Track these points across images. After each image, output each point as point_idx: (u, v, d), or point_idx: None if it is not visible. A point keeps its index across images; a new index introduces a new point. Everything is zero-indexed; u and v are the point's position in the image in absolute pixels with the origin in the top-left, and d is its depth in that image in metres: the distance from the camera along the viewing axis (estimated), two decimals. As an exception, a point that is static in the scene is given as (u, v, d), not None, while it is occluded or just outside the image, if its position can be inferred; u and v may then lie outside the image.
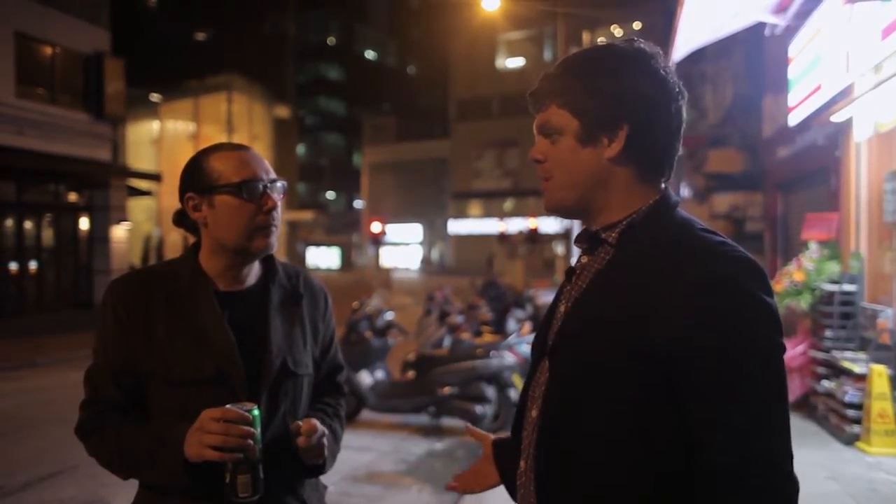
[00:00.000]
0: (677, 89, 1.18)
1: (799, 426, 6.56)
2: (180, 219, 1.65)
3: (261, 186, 1.56)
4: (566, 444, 1.15)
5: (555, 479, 1.18)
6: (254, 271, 1.67)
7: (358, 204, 55.84)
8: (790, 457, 1.06)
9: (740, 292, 1.05)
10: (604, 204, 1.21)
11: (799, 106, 8.48)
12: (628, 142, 1.16)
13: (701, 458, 1.06)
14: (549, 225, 28.80)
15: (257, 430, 1.40)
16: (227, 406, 1.40)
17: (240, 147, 1.62)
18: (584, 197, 1.21)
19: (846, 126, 7.18)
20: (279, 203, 1.60)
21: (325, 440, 1.59)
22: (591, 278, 1.20)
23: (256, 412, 1.40)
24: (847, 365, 6.07)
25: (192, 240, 1.71)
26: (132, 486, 1.63)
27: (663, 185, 1.23)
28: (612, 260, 1.19)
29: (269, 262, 1.71)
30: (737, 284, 1.05)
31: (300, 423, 1.56)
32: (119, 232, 16.60)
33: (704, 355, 1.04)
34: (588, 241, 1.24)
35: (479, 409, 6.45)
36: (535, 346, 1.31)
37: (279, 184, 1.61)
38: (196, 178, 1.58)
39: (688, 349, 1.04)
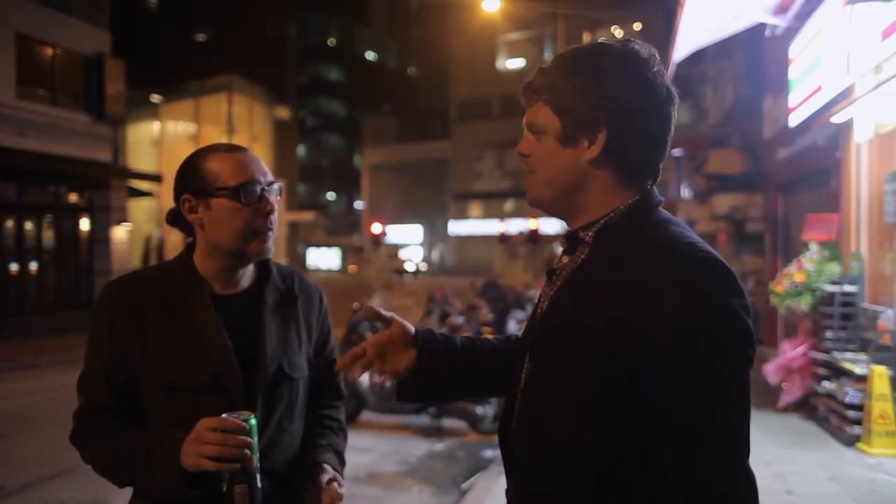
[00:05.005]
0: (666, 94, 1.17)
1: (799, 427, 6.56)
2: (174, 218, 1.63)
3: (258, 190, 1.54)
4: (541, 441, 1.17)
5: (530, 471, 1.19)
6: (248, 273, 1.66)
7: (358, 205, 55.87)
8: (745, 457, 1.05)
9: (697, 294, 1.04)
10: (583, 205, 1.21)
11: (799, 107, 8.48)
12: (607, 146, 1.16)
13: (654, 457, 1.05)
14: (550, 226, 28.79)
15: (254, 440, 1.38)
16: (224, 415, 1.38)
17: (237, 148, 1.61)
18: (562, 196, 1.22)
19: (846, 127, 7.18)
20: (276, 206, 1.59)
21: (340, 490, 1.59)
22: (567, 277, 1.22)
23: (254, 421, 1.39)
24: (848, 366, 6.07)
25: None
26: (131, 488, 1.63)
27: (649, 186, 1.22)
28: (586, 259, 1.20)
29: (263, 264, 1.69)
30: (693, 286, 1.04)
31: (326, 468, 1.59)
32: (119, 233, 16.59)
33: (658, 357, 1.03)
34: (569, 240, 1.25)
35: (479, 409, 6.45)
36: (519, 346, 1.32)
37: (276, 185, 1.60)
38: (193, 179, 1.56)
39: (646, 350, 1.04)
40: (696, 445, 1.02)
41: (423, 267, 38.63)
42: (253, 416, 1.40)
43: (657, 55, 1.20)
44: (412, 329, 1.43)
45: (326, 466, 1.60)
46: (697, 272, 1.06)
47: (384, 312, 1.43)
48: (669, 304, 1.04)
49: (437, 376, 1.42)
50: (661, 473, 1.05)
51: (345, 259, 41.18)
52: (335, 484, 1.56)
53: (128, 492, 1.62)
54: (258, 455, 1.39)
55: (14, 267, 14.37)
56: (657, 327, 1.03)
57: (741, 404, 1.05)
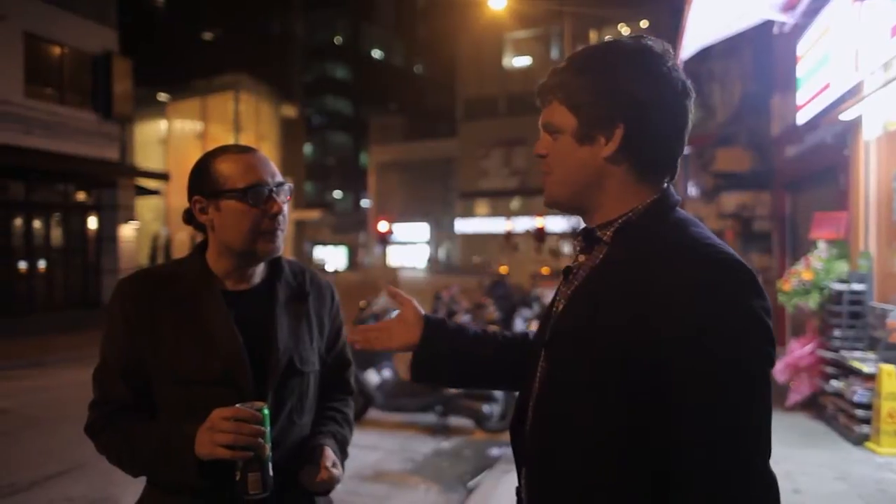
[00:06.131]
0: (681, 88, 1.17)
1: (807, 426, 6.53)
2: (189, 217, 1.67)
3: (266, 191, 1.58)
4: (557, 440, 1.16)
5: (547, 474, 1.18)
6: (260, 270, 1.69)
7: (365, 203, 55.92)
8: (766, 457, 1.05)
9: (720, 296, 1.04)
10: (600, 202, 1.21)
11: (807, 104, 8.43)
12: (624, 141, 1.15)
13: (675, 460, 1.05)
14: (556, 224, 28.77)
15: (267, 429, 1.43)
16: (238, 405, 1.42)
17: (246, 150, 1.63)
18: (580, 194, 1.22)
19: (855, 125, 7.14)
20: (285, 206, 1.62)
21: (336, 472, 1.60)
22: (585, 276, 1.21)
23: (266, 411, 1.43)
24: (856, 365, 6.04)
25: (199, 239, 1.72)
26: (141, 483, 1.64)
27: (666, 185, 1.22)
28: (605, 258, 1.19)
29: (275, 261, 1.72)
30: (717, 287, 1.04)
31: (325, 449, 1.60)
32: (127, 231, 16.66)
33: (680, 357, 1.03)
34: (585, 239, 1.25)
35: (485, 407, 6.45)
36: (534, 345, 1.32)
37: (285, 186, 1.63)
38: (203, 181, 1.60)
39: (667, 351, 1.04)
40: (718, 446, 1.02)
41: None
42: (265, 405, 1.45)
43: (671, 50, 1.20)
44: (422, 311, 1.49)
45: (326, 449, 1.62)
46: (720, 273, 1.06)
47: (402, 294, 1.52)
48: (692, 304, 1.03)
49: (444, 355, 1.47)
50: (681, 474, 1.05)
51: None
52: (330, 463, 1.58)
53: (136, 488, 1.64)
54: (270, 444, 1.44)
55: (23, 265, 14.46)
56: (679, 327, 1.03)
57: (763, 405, 1.05)
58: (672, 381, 1.04)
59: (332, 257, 50.94)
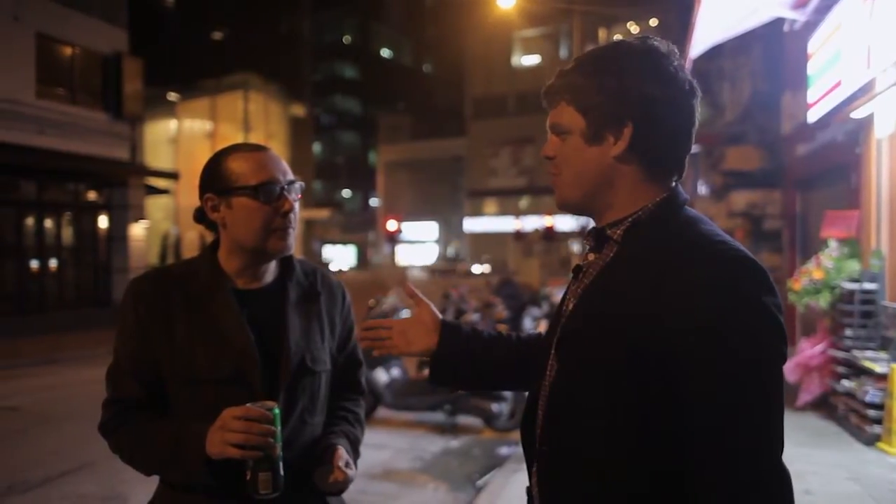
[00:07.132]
0: (688, 87, 1.18)
1: (819, 426, 6.50)
2: (201, 216, 1.67)
3: (277, 189, 1.58)
4: (569, 439, 1.16)
5: (558, 473, 1.19)
6: (271, 269, 1.70)
7: (374, 202, 56.01)
8: (779, 453, 1.06)
9: (733, 293, 1.04)
10: (610, 202, 1.21)
11: (818, 102, 8.38)
12: (633, 140, 1.16)
13: (690, 459, 1.05)
14: (565, 223, 28.71)
15: (278, 429, 1.43)
16: (249, 405, 1.43)
17: (258, 148, 1.64)
18: (591, 194, 1.22)
19: (867, 122, 7.09)
20: (296, 204, 1.62)
21: (350, 471, 1.60)
22: (596, 275, 1.21)
23: (277, 411, 1.44)
24: (868, 364, 6.00)
25: (209, 238, 1.73)
26: (150, 482, 1.65)
27: (674, 184, 1.22)
28: (615, 257, 1.20)
29: (286, 261, 1.73)
30: (730, 285, 1.05)
31: (338, 449, 1.60)
32: (137, 230, 16.74)
33: (694, 355, 1.04)
34: (595, 238, 1.25)
35: (494, 406, 6.45)
36: (544, 343, 1.32)
37: (297, 185, 1.63)
38: (215, 179, 1.61)
39: (680, 348, 1.04)
40: (732, 442, 1.03)
41: None
42: (276, 405, 1.45)
43: (676, 50, 1.21)
44: (440, 315, 1.51)
45: (339, 449, 1.62)
46: (732, 270, 1.07)
47: (419, 293, 1.53)
48: (705, 302, 1.04)
49: (462, 360, 1.49)
50: (694, 470, 1.05)
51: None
52: (343, 463, 1.58)
53: (146, 486, 1.64)
54: (281, 443, 1.44)
55: (34, 264, 14.57)
56: (693, 325, 1.03)
57: (776, 401, 1.06)
58: (685, 379, 1.04)
59: (339, 256, 51.02)
